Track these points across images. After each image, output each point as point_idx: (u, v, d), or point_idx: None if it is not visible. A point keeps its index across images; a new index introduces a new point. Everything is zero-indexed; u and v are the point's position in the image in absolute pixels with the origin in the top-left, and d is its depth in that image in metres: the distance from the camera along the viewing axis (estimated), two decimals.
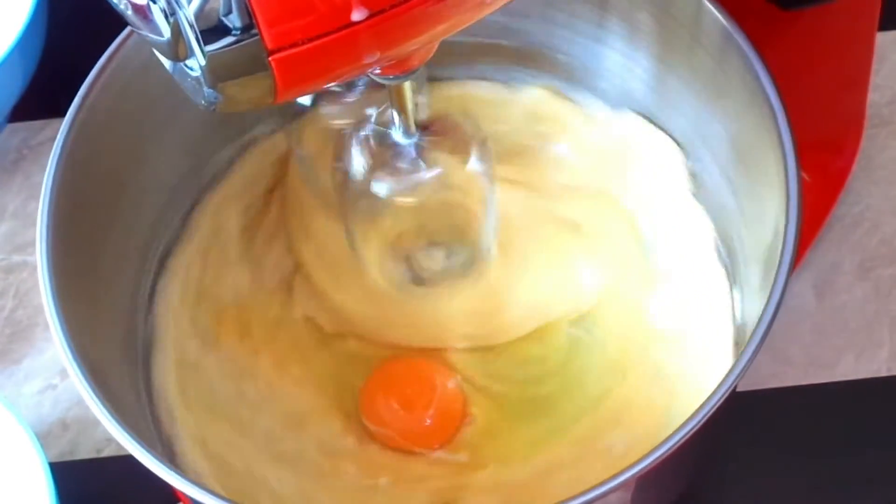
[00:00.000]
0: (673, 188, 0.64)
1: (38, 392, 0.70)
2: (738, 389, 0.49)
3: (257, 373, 0.63)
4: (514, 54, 0.65)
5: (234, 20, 0.38)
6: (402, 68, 0.48)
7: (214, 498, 0.48)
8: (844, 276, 0.69)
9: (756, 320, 0.49)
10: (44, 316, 0.52)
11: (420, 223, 0.61)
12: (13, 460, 0.62)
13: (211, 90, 0.40)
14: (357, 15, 0.39)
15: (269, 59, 0.39)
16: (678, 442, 0.47)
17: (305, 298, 0.65)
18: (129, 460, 0.49)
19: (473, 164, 0.57)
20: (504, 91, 0.67)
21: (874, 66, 0.69)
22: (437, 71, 0.66)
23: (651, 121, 0.64)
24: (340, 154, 0.58)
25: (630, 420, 0.60)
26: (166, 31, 0.39)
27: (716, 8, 0.55)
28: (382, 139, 0.56)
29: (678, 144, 0.63)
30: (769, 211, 0.54)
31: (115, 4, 0.40)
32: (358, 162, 0.56)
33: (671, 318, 0.62)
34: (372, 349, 0.64)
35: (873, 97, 0.73)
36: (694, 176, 0.63)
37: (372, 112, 0.57)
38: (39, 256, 0.53)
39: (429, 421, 0.62)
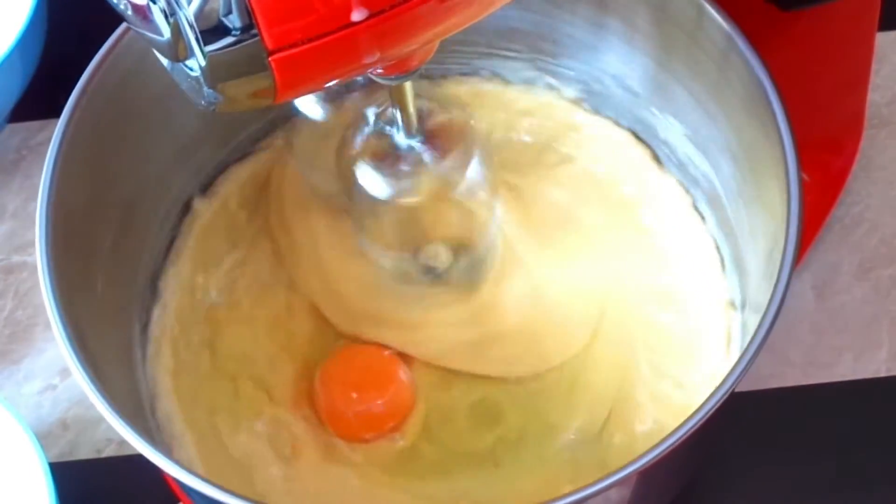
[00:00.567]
0: (673, 189, 0.64)
1: (37, 392, 0.70)
2: (738, 390, 0.49)
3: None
4: (519, 52, 0.66)
5: (233, 20, 0.38)
6: (402, 68, 0.48)
7: (215, 489, 0.47)
8: (844, 277, 0.69)
9: (757, 320, 0.49)
10: (44, 316, 0.52)
11: (420, 223, 0.61)
12: (13, 460, 0.62)
13: (211, 90, 0.40)
14: (357, 15, 0.39)
15: (269, 59, 0.39)
16: (678, 440, 0.47)
17: (301, 293, 0.65)
18: (128, 460, 0.49)
19: (474, 165, 0.57)
20: (504, 91, 0.67)
21: (874, 66, 0.69)
22: (436, 70, 0.67)
23: (651, 122, 0.64)
24: (341, 154, 0.58)
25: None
26: (166, 32, 0.39)
27: (715, 9, 0.55)
28: (383, 139, 0.56)
29: (678, 145, 0.63)
30: (769, 211, 0.54)
31: (115, 5, 0.40)
32: (358, 162, 0.57)
33: (671, 318, 0.62)
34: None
35: (873, 97, 0.73)
36: (694, 176, 0.63)
37: (372, 112, 0.57)
38: (39, 256, 0.53)
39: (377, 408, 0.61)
